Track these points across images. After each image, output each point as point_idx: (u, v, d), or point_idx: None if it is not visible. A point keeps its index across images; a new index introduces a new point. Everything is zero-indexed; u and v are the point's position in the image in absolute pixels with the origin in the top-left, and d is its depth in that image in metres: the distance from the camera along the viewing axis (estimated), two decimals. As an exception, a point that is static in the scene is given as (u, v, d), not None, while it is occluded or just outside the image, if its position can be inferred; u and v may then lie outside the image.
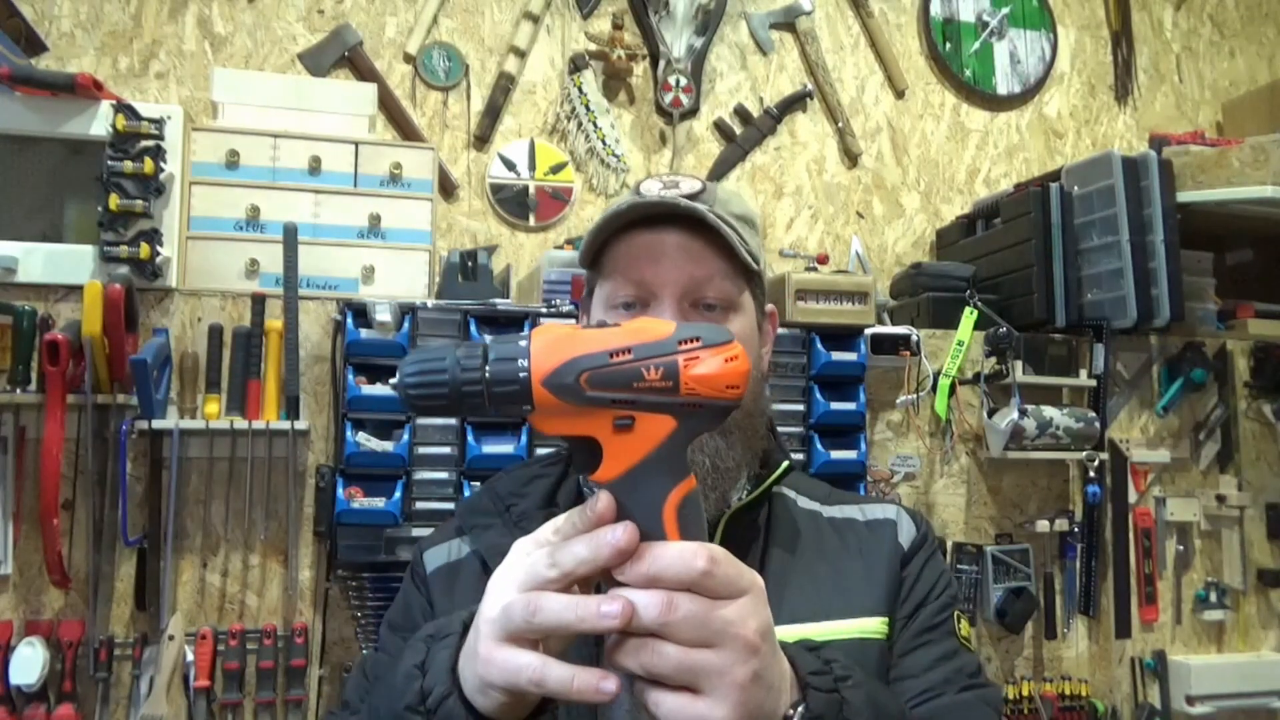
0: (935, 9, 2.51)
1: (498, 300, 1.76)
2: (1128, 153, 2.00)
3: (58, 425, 1.48)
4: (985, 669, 0.88)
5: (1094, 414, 1.96)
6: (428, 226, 1.85)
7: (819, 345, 1.83)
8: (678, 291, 0.79)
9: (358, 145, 1.83)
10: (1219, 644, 2.12)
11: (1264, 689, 2.06)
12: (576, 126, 2.22)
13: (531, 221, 2.19)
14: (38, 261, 1.62)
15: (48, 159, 1.72)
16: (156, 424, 1.56)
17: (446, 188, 2.13)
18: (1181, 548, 2.11)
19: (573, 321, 0.99)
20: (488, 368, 0.52)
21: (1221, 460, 2.16)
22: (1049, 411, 1.92)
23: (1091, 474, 1.96)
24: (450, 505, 1.62)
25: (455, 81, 2.18)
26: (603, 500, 0.54)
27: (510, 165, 2.19)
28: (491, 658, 0.54)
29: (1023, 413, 1.88)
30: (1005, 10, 2.55)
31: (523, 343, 0.53)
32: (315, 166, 1.79)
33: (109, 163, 1.62)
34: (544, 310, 1.71)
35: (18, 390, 1.54)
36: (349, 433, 1.60)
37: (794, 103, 2.39)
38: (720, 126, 2.34)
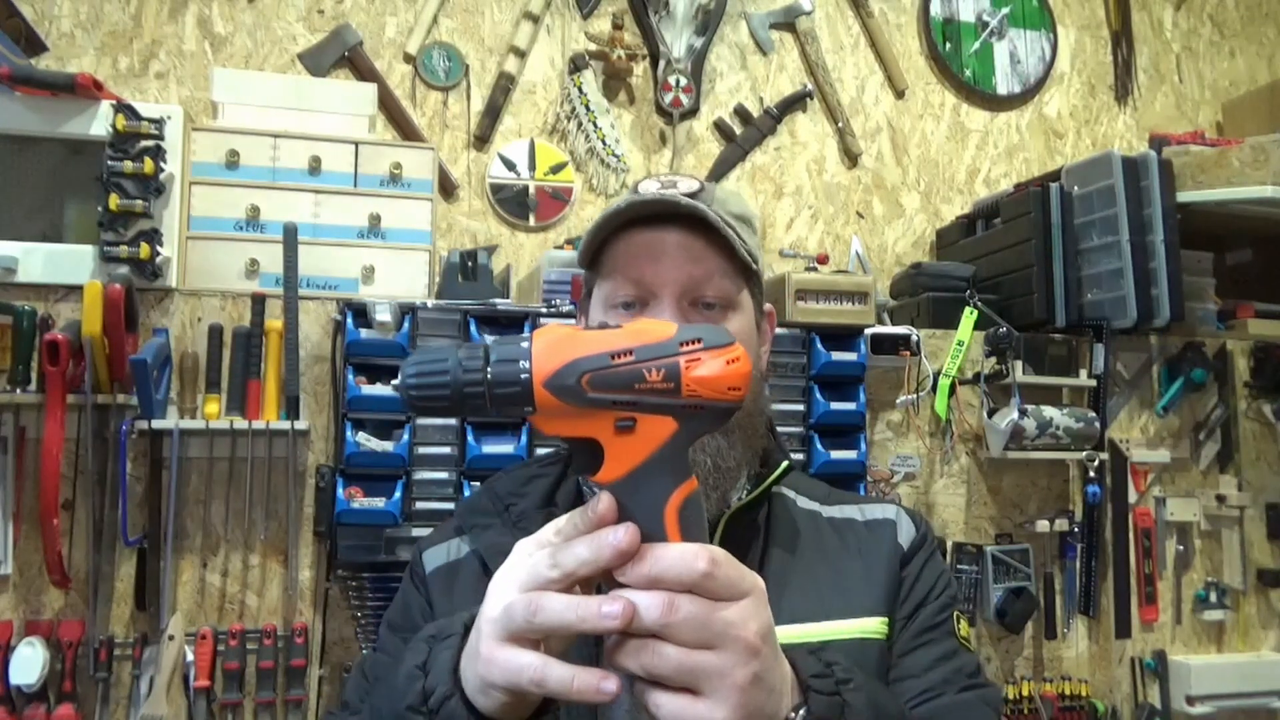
0: (935, 9, 2.51)
1: (498, 300, 1.76)
2: (1128, 153, 2.00)
3: (58, 425, 1.48)
4: (985, 669, 0.88)
5: (1094, 414, 1.96)
6: (428, 226, 1.85)
7: (819, 345, 1.83)
8: (677, 290, 0.79)
9: (358, 145, 1.83)
10: (1219, 644, 2.12)
11: (1264, 689, 2.06)
12: (576, 126, 2.22)
13: (531, 221, 2.19)
14: (38, 261, 1.62)
15: (48, 159, 1.72)
16: (156, 424, 1.56)
17: (446, 188, 2.13)
18: (1181, 548, 2.11)
19: (573, 322, 0.99)
20: (489, 369, 0.52)
21: (1221, 460, 2.16)
22: (1049, 411, 1.92)
23: (1091, 474, 1.96)
24: (450, 505, 1.62)
25: (455, 81, 2.18)
26: (604, 501, 0.54)
27: (510, 165, 2.19)
28: (493, 657, 0.54)
29: (1023, 413, 1.88)
30: (1005, 10, 2.55)
31: (524, 344, 0.53)
32: (315, 166, 1.79)
33: (109, 163, 1.62)
34: (544, 310, 1.71)
35: (18, 390, 1.54)
36: (349, 433, 1.60)
37: (794, 103, 2.39)
38: (720, 126, 2.34)
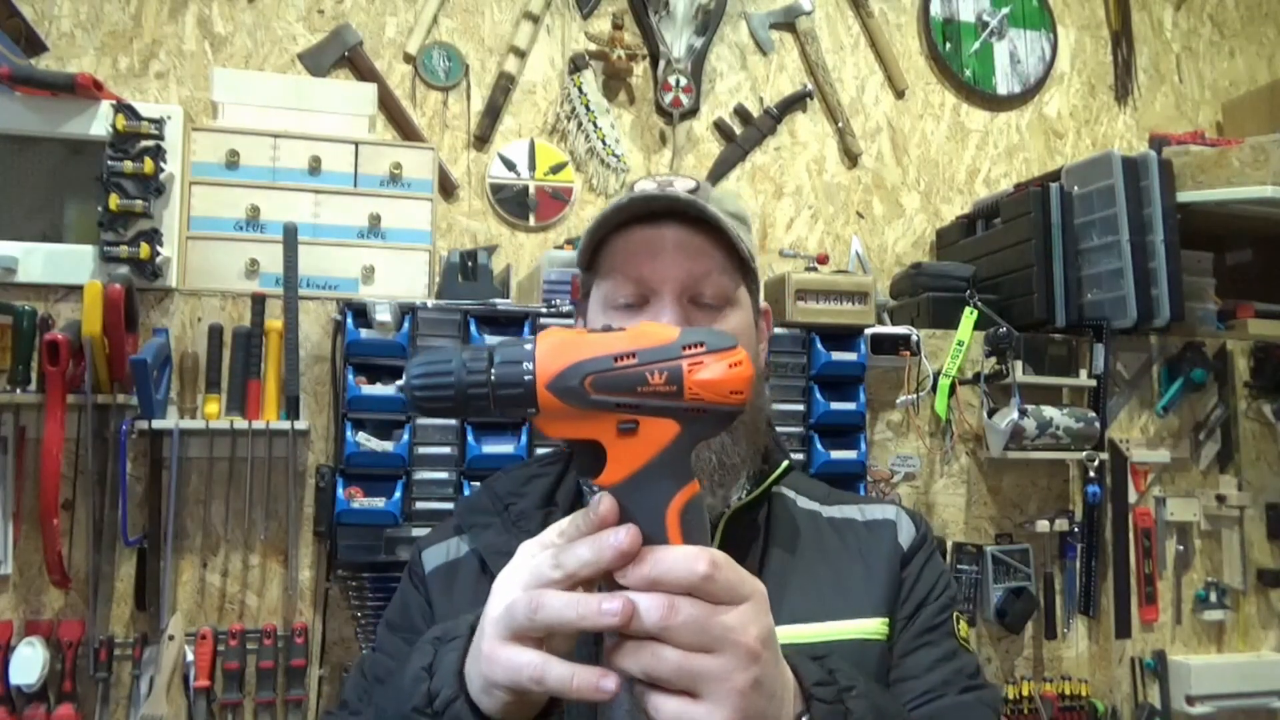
0: (935, 9, 2.51)
1: (498, 300, 1.76)
2: (1128, 153, 2.00)
3: (58, 425, 1.48)
4: (984, 669, 0.88)
5: (1094, 414, 1.96)
6: (428, 226, 1.85)
7: (819, 345, 1.83)
8: (677, 288, 0.79)
9: (358, 145, 1.83)
10: (1219, 644, 2.12)
11: (1264, 689, 2.06)
12: (576, 126, 2.22)
13: (531, 221, 2.19)
14: (38, 261, 1.62)
15: (48, 159, 1.72)
16: (156, 424, 1.56)
17: (446, 188, 2.13)
18: (1181, 548, 2.11)
19: (572, 323, 1.00)
20: (493, 371, 0.53)
21: (1221, 460, 2.16)
22: (1049, 411, 1.92)
23: (1091, 474, 1.96)
24: (450, 505, 1.62)
25: (455, 81, 2.18)
26: (605, 503, 0.54)
27: (510, 165, 2.19)
28: (495, 656, 0.54)
29: (1023, 413, 1.88)
30: (1005, 10, 2.55)
31: (528, 346, 0.53)
32: (315, 166, 1.79)
33: (109, 163, 1.62)
34: (544, 310, 1.71)
35: (18, 390, 1.54)
36: (349, 433, 1.60)
37: (794, 103, 2.39)
38: (720, 126, 2.34)
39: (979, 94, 2.52)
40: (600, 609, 0.52)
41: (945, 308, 2.00)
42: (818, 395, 1.82)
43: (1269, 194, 1.95)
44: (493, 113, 2.18)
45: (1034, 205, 2.00)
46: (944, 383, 1.91)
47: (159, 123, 1.66)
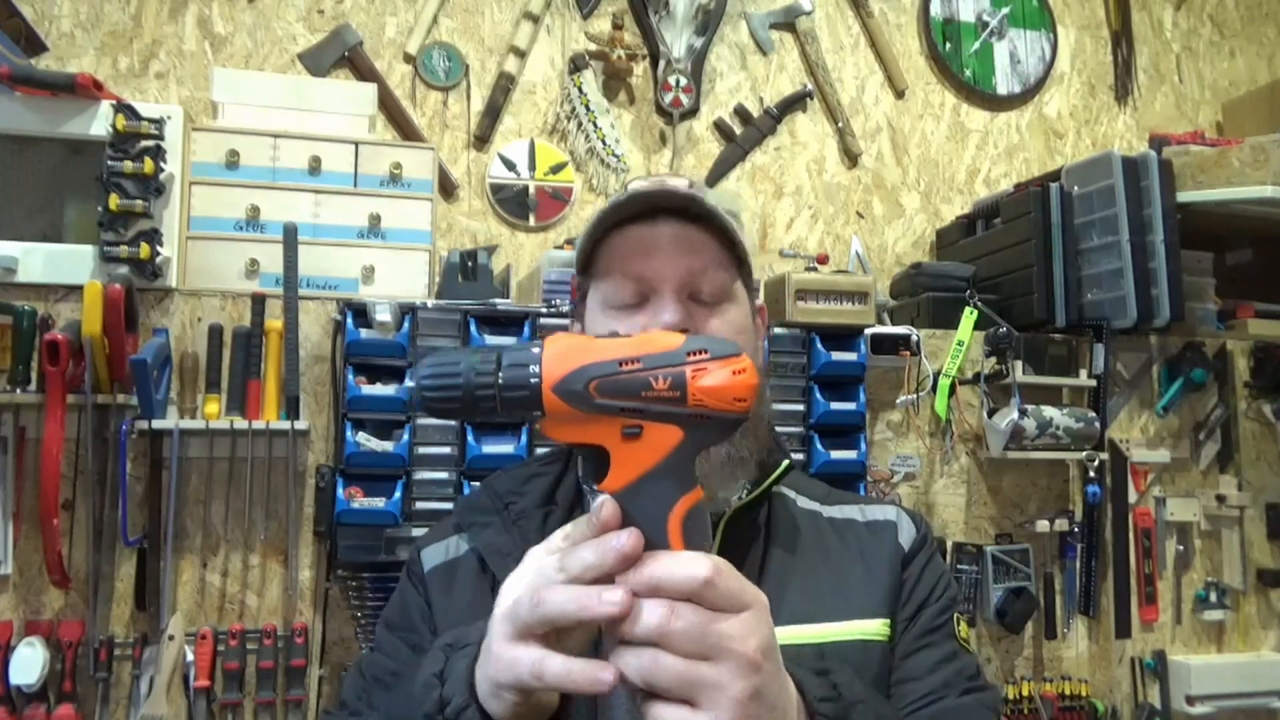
0: (935, 9, 2.51)
1: (498, 300, 1.76)
2: (1128, 153, 2.00)
3: (58, 425, 1.48)
4: (984, 670, 0.88)
5: (1094, 414, 1.96)
6: (428, 226, 1.85)
7: (819, 345, 1.83)
8: (676, 284, 0.79)
9: (358, 145, 1.83)
10: (1219, 644, 2.12)
11: (1264, 689, 2.06)
12: (576, 126, 2.22)
13: (531, 221, 2.19)
14: (38, 261, 1.62)
15: (48, 159, 1.72)
16: (156, 424, 1.56)
17: (446, 188, 2.13)
18: (1181, 548, 2.11)
19: (569, 326, 1.00)
20: (500, 373, 0.54)
21: (1221, 460, 2.16)
22: (1049, 411, 1.92)
23: (1091, 474, 1.96)
24: (450, 505, 1.62)
25: (455, 81, 2.18)
26: (607, 508, 0.55)
27: (510, 165, 2.19)
28: (499, 655, 0.55)
29: (1023, 413, 1.88)
30: (1005, 10, 2.55)
31: (535, 349, 0.54)
32: (315, 166, 1.79)
33: (109, 163, 1.62)
34: (544, 310, 1.71)
35: (18, 390, 1.54)
36: (349, 433, 1.60)
37: (794, 103, 2.39)
38: (720, 126, 2.34)
39: (979, 94, 2.52)
40: (600, 599, 0.52)
41: (945, 308, 2.00)
42: (818, 395, 1.82)
43: (1269, 194, 1.95)
44: (493, 113, 2.18)
45: (1034, 205, 2.00)
46: (944, 383, 1.91)
47: (159, 123, 1.66)
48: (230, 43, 2.05)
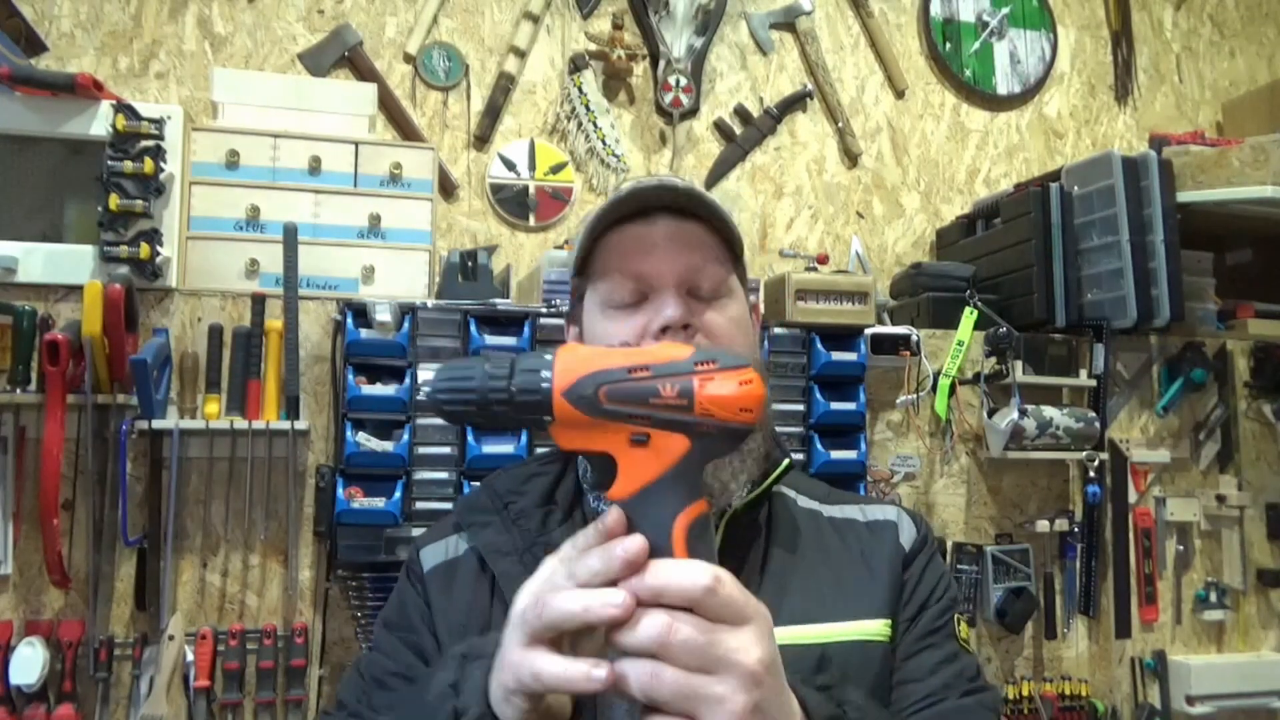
0: (935, 9, 2.51)
1: (498, 300, 1.76)
2: (1128, 153, 2.00)
3: (58, 425, 1.48)
4: (984, 670, 0.88)
5: (1094, 414, 1.96)
6: (428, 226, 1.85)
7: (819, 345, 1.83)
8: (674, 281, 0.79)
9: (358, 145, 1.83)
10: (1219, 644, 2.12)
11: (1264, 689, 2.06)
12: (576, 126, 2.22)
13: (531, 221, 2.19)
14: (38, 261, 1.62)
15: (48, 159, 1.72)
16: (156, 424, 1.56)
17: (446, 188, 2.13)
18: (1181, 548, 2.11)
19: (565, 329, 1.00)
20: (513, 379, 0.55)
21: (1221, 460, 2.16)
22: (1049, 411, 1.92)
23: (1091, 474, 1.96)
24: (450, 505, 1.62)
25: (455, 81, 2.18)
26: (613, 515, 0.55)
27: (510, 165, 2.19)
28: (506, 660, 0.56)
29: (1023, 413, 1.88)
30: (1005, 10, 2.55)
31: (548, 357, 0.57)
32: (315, 166, 1.79)
33: (109, 163, 1.62)
34: (544, 310, 1.71)
35: (18, 390, 1.54)
36: (349, 433, 1.60)
37: (794, 103, 2.39)
38: (720, 126, 2.34)
39: (979, 94, 2.52)
40: (604, 600, 0.52)
41: (945, 308, 2.00)
42: (818, 395, 1.82)
43: (1269, 194, 1.95)
44: (493, 113, 2.18)
45: (1034, 205, 2.00)
46: (944, 383, 1.91)
47: (159, 123, 1.66)
48: (230, 43, 2.05)
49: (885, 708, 0.76)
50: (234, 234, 1.74)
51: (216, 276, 1.72)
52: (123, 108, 1.64)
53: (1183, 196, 1.98)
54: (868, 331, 1.87)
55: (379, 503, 1.58)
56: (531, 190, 2.20)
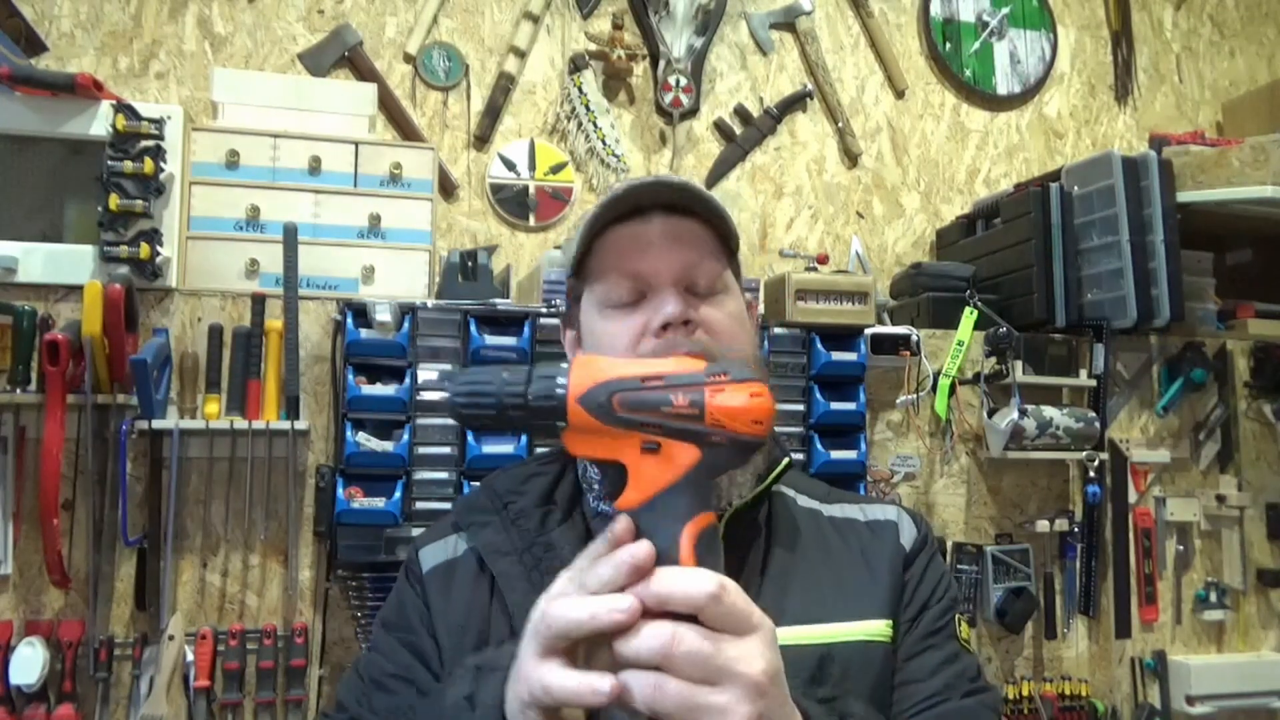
0: (935, 9, 2.51)
1: (498, 300, 1.76)
2: (1128, 153, 2.00)
3: (58, 425, 1.48)
4: (984, 669, 0.88)
5: (1094, 414, 1.96)
6: (428, 226, 1.85)
7: (819, 345, 1.83)
8: (672, 278, 0.79)
9: (358, 145, 1.83)
10: (1219, 644, 2.12)
11: (1264, 689, 2.06)
12: (576, 126, 2.22)
13: (531, 221, 2.19)
14: (38, 261, 1.62)
15: (48, 159, 1.72)
16: (156, 424, 1.56)
17: (446, 188, 2.13)
18: (1181, 548, 2.11)
19: (561, 331, 1.01)
20: (530, 385, 0.57)
21: (1221, 460, 2.16)
22: (1049, 411, 1.92)
23: (1091, 474, 1.96)
24: (450, 505, 1.62)
25: (455, 81, 2.18)
26: (621, 523, 0.56)
27: (510, 165, 2.19)
28: (522, 674, 0.56)
29: (1023, 413, 1.88)
30: (1005, 10, 2.55)
31: (564, 365, 0.59)
32: (315, 166, 1.79)
33: (109, 163, 1.62)
34: (544, 310, 1.71)
35: (18, 390, 1.54)
36: (349, 433, 1.60)
37: (794, 103, 2.39)
38: (720, 126, 2.34)
39: (979, 94, 2.52)
40: (610, 606, 0.52)
41: (945, 308, 2.00)
42: (818, 395, 1.82)
43: (1269, 194, 1.95)
44: (493, 113, 2.18)
45: (1034, 205, 2.00)
46: (944, 383, 1.91)
47: (159, 123, 1.66)
48: (230, 43, 2.05)
49: (886, 710, 0.76)
50: (234, 234, 1.74)
51: (216, 276, 1.72)
52: (123, 108, 1.64)
53: (1183, 196, 1.98)
54: (868, 331, 1.86)
55: (379, 503, 1.58)
56: (531, 190, 2.20)
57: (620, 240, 0.81)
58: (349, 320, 1.63)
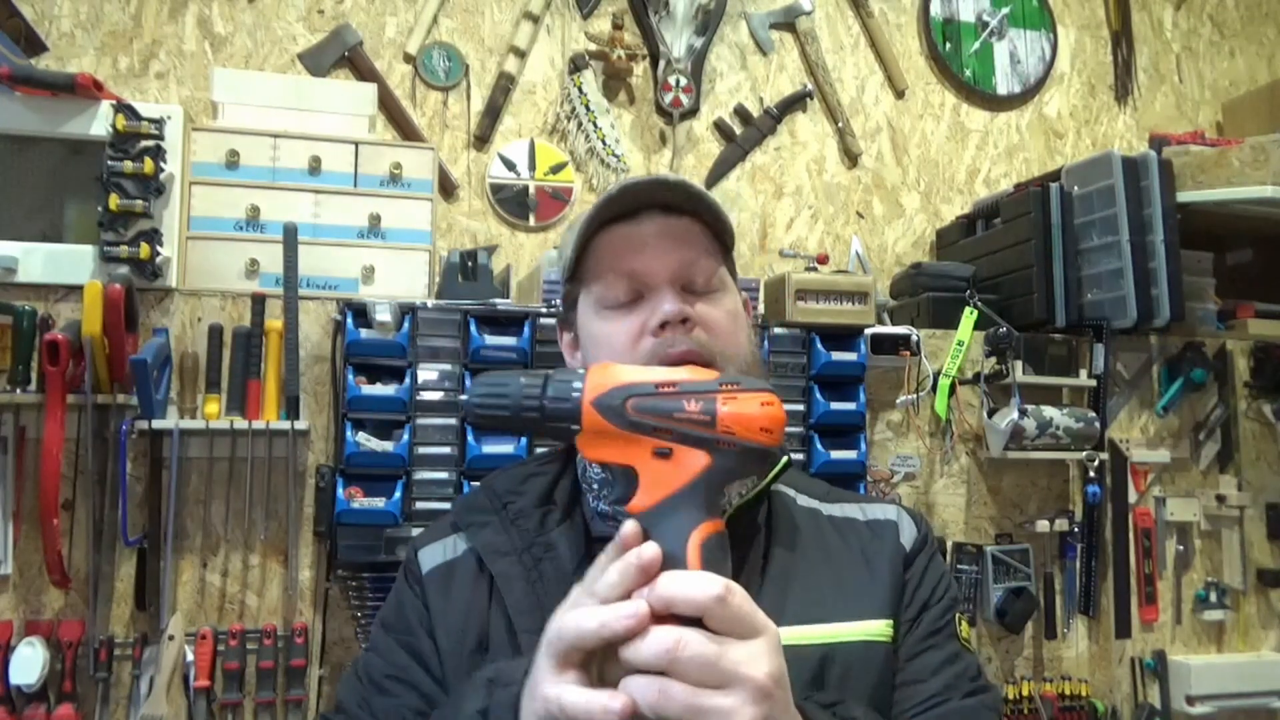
0: (935, 9, 2.51)
1: (498, 300, 1.76)
2: (1128, 153, 2.00)
3: (58, 425, 1.48)
4: (985, 670, 0.88)
5: (1094, 414, 1.96)
6: (428, 226, 1.85)
7: (819, 345, 1.83)
8: (669, 277, 0.79)
9: (358, 145, 1.83)
10: (1219, 644, 2.12)
11: (1264, 689, 2.06)
12: (576, 126, 2.22)
13: (531, 221, 2.19)
14: (38, 261, 1.62)
15: (48, 159, 1.72)
16: (156, 424, 1.56)
17: (446, 188, 2.13)
18: (1181, 548, 2.11)
19: (558, 334, 1.01)
20: (547, 389, 0.59)
21: (1221, 460, 2.16)
22: (1049, 411, 1.91)
23: (1091, 474, 1.96)
24: (450, 505, 1.62)
25: (455, 81, 2.18)
26: (628, 527, 0.57)
27: (510, 165, 2.19)
28: (538, 690, 0.56)
29: (1023, 413, 1.88)
30: (1005, 10, 2.55)
31: (580, 371, 0.60)
32: (315, 166, 1.79)
33: (109, 163, 1.62)
34: (544, 310, 1.71)
35: (18, 390, 1.54)
36: (349, 433, 1.60)
37: (794, 103, 2.39)
38: (720, 126, 2.34)
39: (979, 94, 2.52)
40: (619, 614, 0.53)
41: (945, 308, 2.00)
42: (818, 395, 1.82)
43: (1269, 194, 1.95)
44: (493, 113, 2.18)
45: (1034, 205, 2.00)
46: (944, 383, 1.91)
47: (159, 123, 1.66)
48: (230, 43, 2.05)
49: (887, 710, 0.76)
50: (234, 234, 1.74)
51: (216, 276, 1.72)
52: (123, 108, 1.64)
53: (1183, 196, 1.98)
54: (868, 331, 1.86)
55: (379, 503, 1.58)
56: (531, 190, 2.20)
57: (616, 240, 0.81)
58: (349, 320, 1.63)
